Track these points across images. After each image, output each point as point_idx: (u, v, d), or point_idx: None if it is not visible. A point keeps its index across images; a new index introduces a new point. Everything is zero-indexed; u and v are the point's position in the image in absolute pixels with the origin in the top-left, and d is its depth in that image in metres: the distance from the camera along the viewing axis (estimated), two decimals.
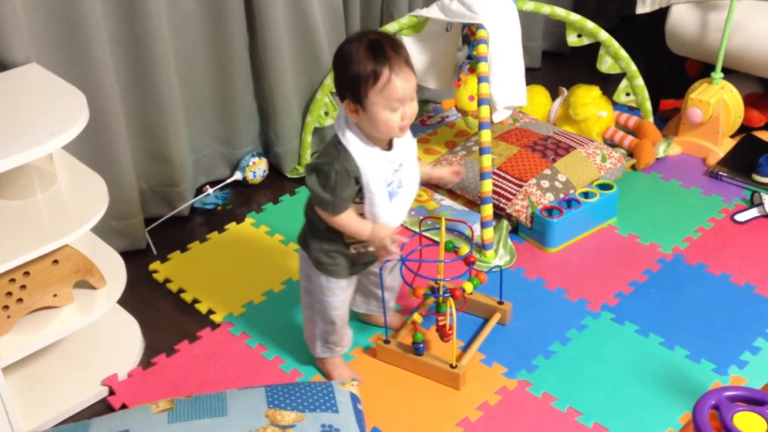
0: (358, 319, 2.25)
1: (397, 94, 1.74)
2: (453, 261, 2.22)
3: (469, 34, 2.75)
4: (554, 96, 3.07)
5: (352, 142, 1.80)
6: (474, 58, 2.61)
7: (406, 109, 1.78)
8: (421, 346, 2.08)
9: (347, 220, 1.85)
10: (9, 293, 1.90)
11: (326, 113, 2.86)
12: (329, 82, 2.82)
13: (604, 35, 2.79)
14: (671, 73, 3.27)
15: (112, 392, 2.09)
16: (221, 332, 2.26)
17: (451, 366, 2.05)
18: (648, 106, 2.91)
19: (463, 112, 2.83)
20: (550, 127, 2.83)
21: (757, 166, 2.73)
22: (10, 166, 1.74)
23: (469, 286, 2.09)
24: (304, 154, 2.89)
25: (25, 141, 1.78)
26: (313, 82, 2.85)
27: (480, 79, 2.47)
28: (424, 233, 2.26)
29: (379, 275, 2.08)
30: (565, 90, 3.03)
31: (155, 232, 2.62)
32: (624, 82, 2.89)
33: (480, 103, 2.46)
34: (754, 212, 2.63)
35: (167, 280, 2.45)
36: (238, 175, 2.81)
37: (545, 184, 2.57)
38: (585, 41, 2.83)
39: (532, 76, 3.17)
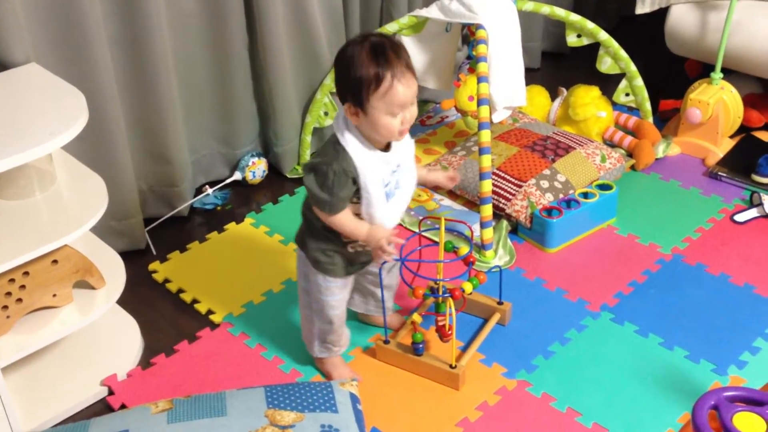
0: (357, 319, 2.25)
1: (398, 100, 1.75)
2: (452, 261, 2.22)
3: (469, 35, 2.75)
4: (554, 96, 3.07)
5: (350, 143, 1.80)
6: (473, 59, 2.61)
7: (407, 114, 1.78)
8: (421, 346, 2.08)
9: (344, 220, 1.85)
10: (8, 293, 1.90)
11: (326, 113, 2.86)
12: (329, 82, 2.82)
13: (603, 35, 2.79)
14: (671, 73, 3.27)
15: (111, 392, 2.09)
16: (221, 332, 2.26)
17: (451, 366, 2.05)
18: (647, 106, 2.91)
19: (463, 112, 2.84)
20: (550, 127, 2.83)
21: (757, 167, 2.73)
22: (9, 166, 1.74)
23: (468, 287, 2.09)
24: (303, 154, 2.89)
25: (25, 141, 1.78)
26: (313, 82, 2.85)
27: (479, 80, 2.48)
28: (423, 233, 2.26)
29: (376, 275, 2.09)
30: (564, 90, 3.03)
31: (155, 232, 2.62)
32: (623, 83, 2.89)
33: (479, 103, 2.46)
34: (753, 212, 2.63)
35: (167, 280, 2.45)
36: (237, 175, 2.81)
37: (545, 184, 2.57)
38: (584, 41, 2.83)
39: (531, 76, 3.17)
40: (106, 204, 1.97)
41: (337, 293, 1.99)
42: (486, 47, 2.51)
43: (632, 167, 2.85)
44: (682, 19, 2.96)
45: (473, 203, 2.64)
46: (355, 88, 1.74)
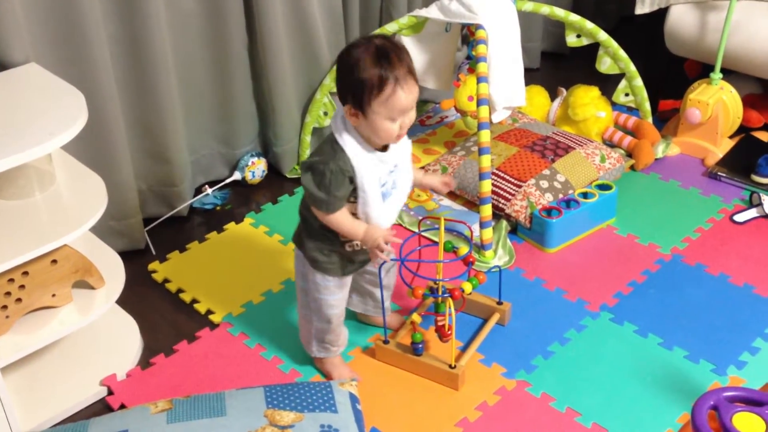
0: (356, 319, 2.25)
1: (399, 106, 1.75)
2: (452, 261, 2.22)
3: (469, 35, 2.75)
4: (553, 96, 3.07)
5: (348, 142, 1.80)
6: (473, 59, 2.62)
7: (406, 119, 1.79)
8: (420, 346, 2.08)
9: (341, 219, 1.85)
10: (8, 293, 1.90)
11: (325, 113, 2.86)
12: (328, 82, 2.82)
13: (603, 36, 2.79)
14: (670, 73, 3.27)
15: (110, 392, 2.09)
16: (220, 332, 2.26)
17: (450, 366, 2.05)
18: (647, 106, 2.91)
19: (462, 112, 2.84)
20: (549, 127, 2.83)
21: (756, 167, 2.73)
22: (8, 166, 1.74)
23: (468, 287, 2.09)
24: (303, 154, 2.89)
25: (24, 141, 1.78)
26: (313, 82, 2.85)
27: (479, 80, 2.48)
28: (423, 233, 2.26)
29: (374, 275, 2.09)
30: (564, 90, 3.03)
31: (154, 232, 2.62)
32: (623, 83, 2.89)
33: (479, 103, 2.46)
34: (753, 213, 2.63)
35: (166, 280, 2.45)
36: (237, 175, 2.81)
37: (544, 184, 2.57)
38: (584, 42, 2.83)
39: (531, 76, 3.17)
40: (106, 204, 1.97)
41: (336, 292, 1.99)
42: (485, 47, 2.51)
43: (632, 167, 2.85)
44: (682, 20, 2.96)
45: (473, 203, 2.64)
46: (357, 91, 1.74)
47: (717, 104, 2.81)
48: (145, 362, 2.18)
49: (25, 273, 1.90)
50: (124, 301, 2.19)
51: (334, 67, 2.80)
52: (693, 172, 2.85)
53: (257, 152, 2.85)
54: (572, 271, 2.44)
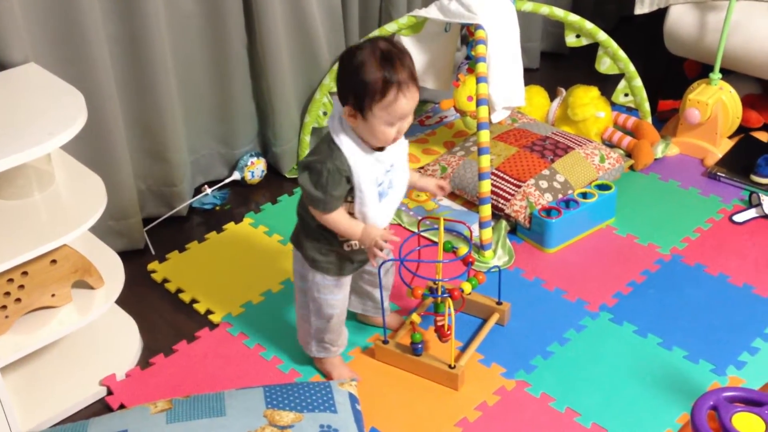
0: (356, 320, 2.25)
1: (400, 112, 1.76)
2: (451, 261, 2.22)
3: (468, 35, 2.75)
4: (553, 96, 3.07)
5: (345, 142, 1.80)
6: (473, 59, 2.61)
7: (404, 124, 1.80)
8: (420, 346, 2.08)
9: (338, 218, 1.85)
10: (7, 293, 1.90)
11: (324, 113, 2.86)
12: (328, 82, 2.82)
13: (602, 36, 2.79)
14: (669, 73, 3.27)
15: (110, 392, 2.09)
16: (219, 332, 2.26)
17: (450, 366, 2.05)
18: (646, 106, 2.91)
19: (462, 112, 2.83)
20: (549, 127, 2.83)
21: (756, 167, 2.73)
22: (8, 166, 1.74)
23: (467, 287, 2.09)
24: (302, 154, 2.89)
25: (24, 141, 1.78)
26: (312, 82, 2.85)
27: (478, 80, 2.48)
28: (422, 233, 2.25)
29: (373, 275, 2.09)
30: (563, 90, 3.03)
31: (153, 232, 2.62)
32: (622, 83, 2.89)
33: (478, 103, 2.46)
34: (752, 213, 2.63)
35: (165, 280, 2.45)
36: (236, 175, 2.81)
37: (544, 184, 2.57)
38: (583, 42, 2.83)
39: (530, 76, 3.17)
40: (105, 204, 1.97)
41: (336, 292, 1.99)
42: (485, 47, 2.51)
43: (631, 167, 2.85)
44: (681, 20, 2.96)
45: (472, 203, 2.64)
46: (359, 94, 1.75)
47: (716, 104, 2.81)
48: (144, 362, 2.18)
49: (25, 273, 1.90)
50: (123, 301, 2.19)
51: (334, 67, 2.82)
52: (692, 172, 2.85)
53: (256, 152, 2.85)
54: (572, 271, 2.44)
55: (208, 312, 2.33)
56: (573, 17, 2.77)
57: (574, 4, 3.51)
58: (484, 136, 2.43)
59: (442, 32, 2.81)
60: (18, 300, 1.92)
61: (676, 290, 2.35)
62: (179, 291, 2.41)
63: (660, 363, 2.12)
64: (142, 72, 2.40)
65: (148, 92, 2.44)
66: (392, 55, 1.74)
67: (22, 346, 1.93)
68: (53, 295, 1.98)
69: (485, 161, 2.42)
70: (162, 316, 2.33)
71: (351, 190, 1.84)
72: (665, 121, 3.07)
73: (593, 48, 2.84)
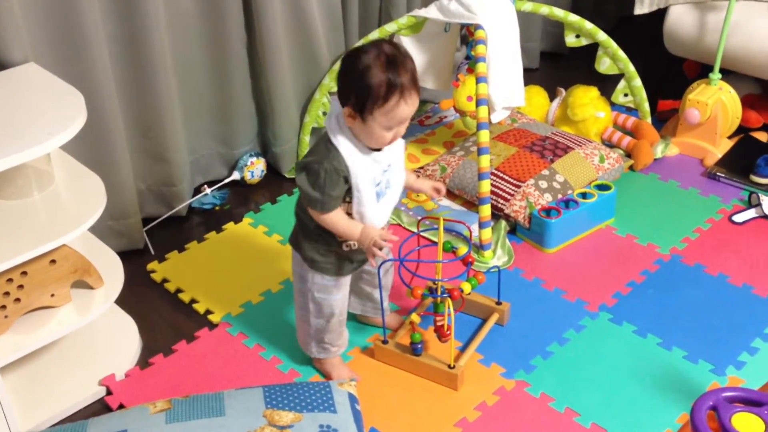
0: (355, 320, 2.25)
1: (400, 117, 1.77)
2: (451, 261, 2.22)
3: (468, 35, 2.75)
4: (552, 96, 3.07)
5: (342, 142, 1.81)
6: (472, 59, 2.62)
7: (401, 128, 1.81)
8: (419, 346, 2.08)
9: (337, 219, 1.85)
10: (6, 293, 1.90)
11: (324, 113, 2.86)
12: (327, 82, 2.81)
13: (602, 36, 2.79)
14: (669, 73, 3.27)
15: (109, 392, 2.09)
16: (219, 332, 2.26)
17: (449, 366, 2.05)
18: (646, 106, 2.91)
19: (462, 112, 2.83)
20: (548, 127, 2.83)
21: (755, 167, 2.73)
22: (7, 166, 1.74)
23: (467, 287, 2.09)
24: (302, 154, 2.89)
25: (23, 141, 1.77)
26: (312, 82, 2.85)
27: (478, 80, 2.48)
28: (422, 233, 2.25)
29: (372, 275, 2.09)
30: (563, 90, 3.03)
31: (153, 231, 2.62)
32: (622, 83, 2.89)
33: (478, 103, 2.46)
34: (752, 213, 2.63)
35: (165, 280, 2.45)
36: (236, 175, 2.81)
37: (543, 184, 2.57)
38: (583, 42, 2.83)
39: (530, 76, 3.17)
40: (105, 204, 1.97)
41: (335, 292, 1.99)
42: (485, 47, 2.51)
43: (631, 167, 2.85)
44: (681, 20, 2.96)
45: (472, 203, 2.64)
46: (361, 97, 1.75)
47: (716, 104, 2.81)
48: (143, 362, 2.18)
49: (24, 273, 1.90)
50: (122, 301, 2.19)
51: (334, 67, 2.82)
52: (692, 172, 2.85)
53: (256, 152, 2.85)
54: (571, 271, 2.44)
55: (208, 312, 2.33)
56: (573, 17, 2.77)
57: (573, 4, 3.51)
58: (484, 136, 2.43)
59: (442, 32, 2.81)
60: (17, 300, 1.92)
61: (676, 290, 2.35)
62: (179, 291, 2.41)
63: (659, 363, 2.12)
64: (142, 72, 2.40)
65: (147, 92, 2.44)
66: (397, 61, 1.75)
67: (22, 346, 1.93)
68: (52, 295, 1.98)
69: (485, 161, 2.42)
70: (161, 316, 2.33)
71: (349, 191, 1.84)
72: (665, 121, 3.07)
73: (593, 48, 2.84)
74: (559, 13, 2.76)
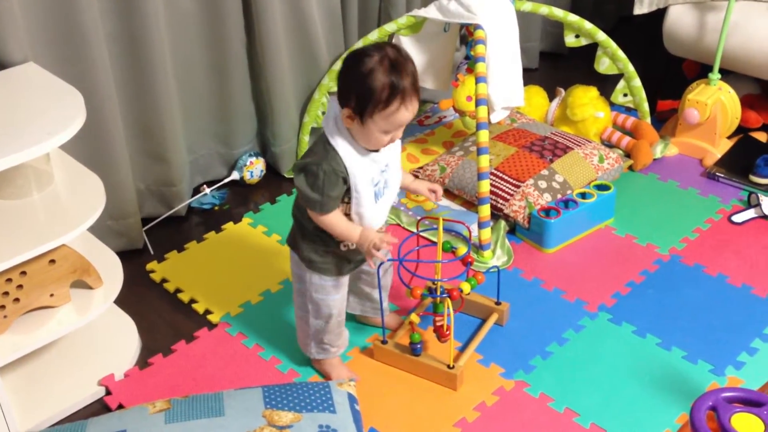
0: (355, 320, 2.25)
1: (399, 122, 1.78)
2: (450, 261, 2.22)
3: (467, 35, 2.75)
4: (552, 96, 3.07)
5: (341, 144, 1.81)
6: (472, 59, 2.62)
7: (398, 132, 1.82)
8: (419, 346, 2.08)
9: (336, 220, 1.85)
10: (6, 293, 1.89)
11: (323, 113, 2.86)
12: (327, 82, 2.81)
13: (601, 36, 2.79)
14: (669, 73, 3.27)
15: (108, 392, 2.09)
16: (218, 332, 2.25)
17: (449, 366, 2.05)
18: (645, 106, 2.91)
19: (461, 112, 2.83)
20: (548, 127, 2.83)
21: (755, 167, 2.73)
22: (6, 166, 1.74)
23: (466, 287, 2.09)
24: (301, 153, 2.89)
25: (22, 140, 1.77)
26: (311, 82, 2.85)
27: (478, 80, 2.48)
28: (421, 233, 2.25)
29: (371, 275, 2.09)
30: (562, 90, 3.03)
31: (152, 231, 2.62)
32: (621, 83, 2.89)
33: (478, 103, 2.46)
34: (751, 213, 2.63)
35: (164, 280, 2.45)
36: (235, 175, 2.81)
37: (543, 184, 2.57)
38: (583, 42, 2.83)
39: (529, 76, 3.17)
40: (104, 204, 1.97)
41: (334, 292, 1.98)
42: (484, 47, 2.51)
43: (630, 168, 2.85)
44: (681, 20, 2.96)
45: (471, 203, 2.64)
46: (362, 100, 1.75)
47: (715, 105, 2.81)
48: (143, 362, 2.18)
49: (23, 273, 1.90)
50: (122, 301, 2.19)
51: (333, 67, 2.82)
52: (691, 172, 2.85)
53: (255, 152, 2.85)
54: (570, 271, 2.44)
55: (207, 312, 2.33)
56: (572, 17, 2.77)
57: (573, 4, 3.52)
58: (483, 136, 2.43)
59: (442, 32, 2.81)
60: (17, 300, 1.92)
61: (675, 290, 2.35)
62: (178, 291, 2.41)
63: (659, 363, 2.12)
64: (141, 72, 2.40)
65: (147, 92, 2.44)
66: (400, 65, 1.75)
67: (21, 346, 1.93)
68: (52, 295, 1.98)
69: (484, 161, 2.42)
70: (161, 316, 2.33)
71: (347, 191, 1.84)
72: (664, 121, 3.07)
73: (592, 48, 2.84)
74: (558, 13, 2.76)
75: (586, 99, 2.90)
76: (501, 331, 2.23)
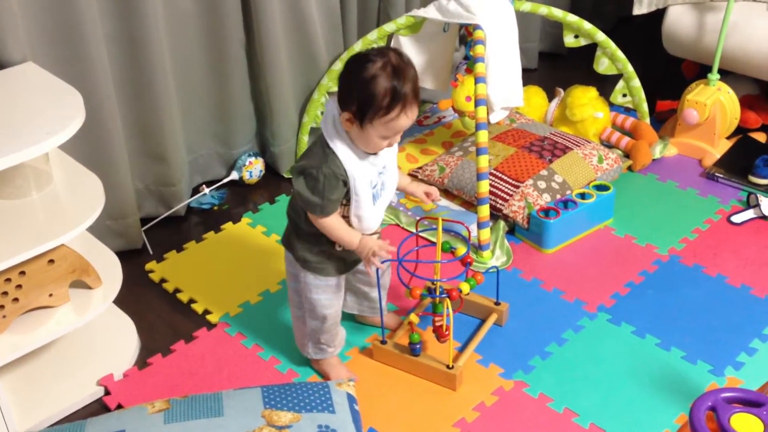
0: (354, 320, 2.25)
1: (398, 128, 1.78)
2: (450, 261, 2.21)
3: (466, 35, 2.75)
4: (551, 97, 3.07)
5: (340, 147, 1.81)
6: (471, 59, 2.62)
7: (396, 138, 1.83)
8: (418, 346, 2.08)
9: (336, 224, 1.85)
10: (5, 293, 1.89)
11: (323, 113, 2.85)
12: (326, 82, 2.81)
13: (601, 36, 2.79)
14: (668, 74, 3.27)
15: (107, 392, 2.09)
16: (217, 332, 2.25)
17: (448, 366, 2.05)
18: (644, 107, 2.91)
19: (460, 112, 2.83)
20: (547, 127, 2.83)
21: (754, 168, 2.73)
22: (6, 166, 1.74)
23: (465, 287, 2.09)
24: (300, 154, 2.89)
25: (21, 140, 1.77)
26: (310, 82, 2.85)
27: (477, 80, 2.48)
28: (420, 234, 2.25)
29: (366, 274, 2.08)
30: (561, 91, 3.03)
31: (151, 231, 2.62)
32: (621, 83, 2.89)
33: (477, 103, 2.46)
34: (750, 214, 2.63)
35: (163, 280, 2.45)
36: (234, 175, 2.81)
37: (542, 184, 2.57)
38: (582, 42, 2.83)
39: (529, 76, 3.17)
40: (103, 203, 1.97)
41: (329, 292, 1.98)
42: (483, 48, 2.51)
43: (629, 168, 2.85)
44: (680, 20, 2.96)
45: (470, 204, 2.64)
46: (363, 105, 1.75)
47: (714, 105, 2.81)
48: (142, 362, 2.18)
49: (22, 273, 1.89)
50: (121, 301, 2.19)
51: (333, 67, 2.82)
52: (690, 172, 2.85)
53: (255, 152, 2.85)
54: (570, 271, 2.44)
55: (206, 312, 2.32)
56: (571, 18, 2.77)
57: (572, 5, 3.52)
58: (483, 136, 2.43)
59: (441, 32, 2.81)
60: (15, 300, 1.92)
61: (674, 291, 2.35)
62: (177, 291, 2.41)
63: (658, 364, 2.12)
64: (141, 72, 2.40)
65: (146, 92, 2.43)
66: (402, 72, 1.75)
67: (20, 346, 1.92)
68: (51, 295, 1.98)
69: (483, 161, 2.42)
70: (160, 316, 2.33)
71: (346, 194, 1.84)
72: (663, 121, 3.07)
73: (592, 48, 2.84)
74: (557, 13, 2.76)
75: (585, 99, 2.90)
76: (500, 332, 2.23)
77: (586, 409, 2.00)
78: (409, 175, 2.77)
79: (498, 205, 2.56)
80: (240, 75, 2.69)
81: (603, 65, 2.86)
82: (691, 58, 3.07)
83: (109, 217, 2.43)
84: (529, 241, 2.54)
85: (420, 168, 2.80)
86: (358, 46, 2.79)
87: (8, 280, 1.88)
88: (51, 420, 2.02)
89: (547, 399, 2.03)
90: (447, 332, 2.04)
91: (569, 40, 2.84)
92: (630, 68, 2.84)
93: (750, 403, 1.68)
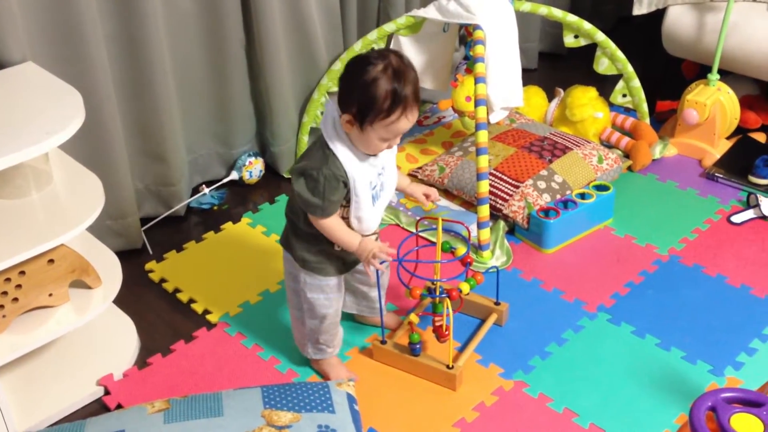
0: (353, 320, 2.25)
1: (398, 131, 1.79)
2: (450, 261, 2.21)
3: (466, 35, 2.75)
4: (551, 97, 3.07)
5: (340, 148, 1.81)
6: (471, 59, 2.62)
7: (396, 140, 1.83)
8: (418, 346, 2.08)
9: (336, 226, 1.86)
10: (4, 292, 1.89)
11: (322, 113, 2.86)
12: (326, 82, 2.81)
13: (600, 36, 2.79)
14: (668, 74, 3.27)
15: (107, 392, 2.09)
16: (217, 332, 2.25)
17: (448, 366, 2.05)
18: (644, 107, 2.91)
19: (460, 112, 2.83)
20: (547, 128, 2.83)
21: (754, 168, 2.73)
22: (5, 166, 1.74)
23: (465, 287, 2.09)
24: (300, 154, 2.89)
25: (21, 140, 1.77)
26: (310, 82, 2.85)
27: (477, 80, 2.48)
28: (420, 234, 2.25)
29: (364, 273, 2.08)
30: (561, 91, 3.03)
31: (151, 231, 2.62)
32: (621, 84, 2.89)
33: (477, 103, 2.46)
34: (750, 214, 2.63)
35: (163, 280, 2.45)
36: (234, 175, 2.81)
37: (542, 185, 2.57)
38: (582, 42, 2.83)
39: (528, 76, 3.17)
40: (103, 203, 1.97)
41: (328, 292, 1.98)
42: (483, 48, 2.51)
43: (629, 168, 2.85)
44: (680, 20, 2.96)
45: (470, 204, 2.64)
46: (364, 108, 1.75)
47: (714, 105, 2.81)
48: (141, 362, 2.18)
49: (22, 272, 1.89)
50: (121, 301, 2.19)
51: (332, 67, 2.82)
52: (690, 173, 2.85)
53: (254, 152, 2.85)
54: (569, 271, 2.44)
55: (206, 312, 2.32)
56: (571, 18, 2.77)
57: (572, 5, 3.52)
58: (483, 136, 2.43)
59: (441, 32, 2.81)
60: (15, 299, 1.92)
61: (674, 291, 2.35)
62: (177, 291, 2.41)
63: (658, 364, 2.12)
64: (140, 71, 2.40)
65: (146, 92, 2.43)
66: (403, 75, 1.75)
67: (20, 346, 1.92)
68: (51, 295, 1.98)
69: (483, 161, 2.42)
70: (159, 316, 2.33)
71: (346, 194, 1.84)
72: (663, 121, 3.07)
73: (591, 48, 2.84)
74: (557, 13, 2.76)
75: (585, 99, 2.90)
76: (500, 332, 2.23)
77: (585, 409, 2.00)
78: (409, 175, 2.77)
79: (498, 205, 2.56)
80: (240, 75, 2.69)
81: (603, 65, 2.86)
82: (691, 58, 3.07)
83: (109, 216, 2.43)
84: (529, 241, 2.54)
85: (420, 168, 2.80)
86: (357, 46, 2.79)
87: (8, 279, 1.88)
88: (51, 420, 2.02)
89: (546, 399, 2.03)
90: (447, 332, 2.04)
91: (569, 40, 2.84)
92: (630, 68, 2.84)
93: (750, 403, 1.68)
